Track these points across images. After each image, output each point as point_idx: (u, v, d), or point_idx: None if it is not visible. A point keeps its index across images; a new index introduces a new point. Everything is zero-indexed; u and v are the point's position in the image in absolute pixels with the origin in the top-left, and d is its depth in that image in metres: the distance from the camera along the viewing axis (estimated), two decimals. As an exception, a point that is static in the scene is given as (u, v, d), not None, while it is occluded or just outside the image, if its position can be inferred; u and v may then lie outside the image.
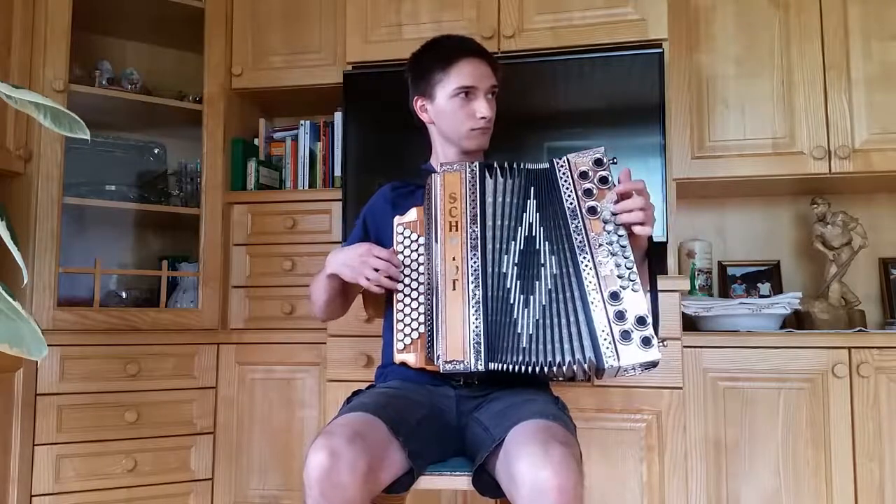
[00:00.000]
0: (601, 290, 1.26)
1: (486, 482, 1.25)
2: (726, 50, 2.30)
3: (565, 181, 1.34)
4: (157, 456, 2.29)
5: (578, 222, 1.31)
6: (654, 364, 1.23)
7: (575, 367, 1.25)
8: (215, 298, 2.42)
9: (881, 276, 2.41)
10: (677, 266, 2.29)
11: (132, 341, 2.28)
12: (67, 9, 2.26)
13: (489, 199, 1.37)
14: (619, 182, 1.31)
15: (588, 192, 1.32)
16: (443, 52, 1.52)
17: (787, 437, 2.01)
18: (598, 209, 1.31)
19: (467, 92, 1.49)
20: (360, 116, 2.33)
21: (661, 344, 1.24)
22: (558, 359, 1.26)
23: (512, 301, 1.32)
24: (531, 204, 1.36)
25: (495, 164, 1.40)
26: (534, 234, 1.34)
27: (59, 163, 2.22)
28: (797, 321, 2.30)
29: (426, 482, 1.31)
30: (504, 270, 1.33)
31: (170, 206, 2.56)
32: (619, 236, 1.29)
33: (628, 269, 1.27)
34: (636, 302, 1.25)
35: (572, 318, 1.27)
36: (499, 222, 1.36)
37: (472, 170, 1.39)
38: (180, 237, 2.69)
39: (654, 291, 1.34)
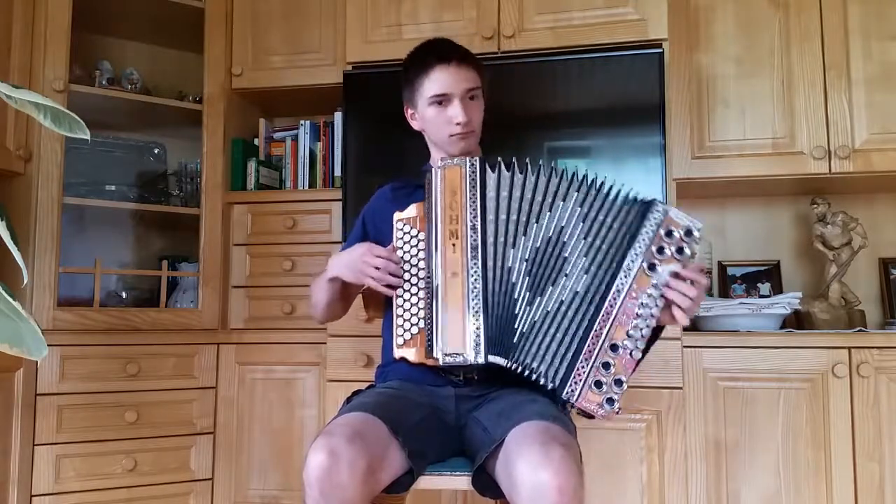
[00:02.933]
0: (606, 335, 1.28)
1: (486, 482, 1.25)
2: (726, 50, 2.30)
3: (651, 227, 1.32)
4: (157, 456, 2.29)
5: (633, 268, 1.30)
6: (592, 417, 1.29)
7: (541, 381, 1.29)
8: (215, 298, 2.42)
9: (881, 276, 2.41)
10: (677, 266, 2.29)
11: (132, 341, 2.28)
12: (67, 9, 2.26)
13: (491, 194, 1.37)
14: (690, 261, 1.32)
15: (661, 251, 1.31)
16: (420, 61, 1.53)
17: (787, 437, 2.01)
18: (657, 269, 1.30)
19: (441, 100, 1.49)
20: (360, 116, 2.33)
21: (617, 411, 1.28)
22: (534, 365, 1.30)
23: (516, 296, 1.32)
24: (565, 206, 1.35)
25: (499, 160, 1.39)
26: (564, 239, 1.34)
27: (59, 163, 2.22)
28: (797, 321, 2.30)
29: (426, 482, 1.31)
30: (509, 265, 1.34)
31: (170, 206, 2.56)
32: (657, 306, 1.30)
33: (642, 336, 1.29)
34: (627, 366, 1.28)
35: (566, 339, 1.29)
36: (503, 216, 1.36)
37: (472, 164, 1.39)
38: (180, 237, 2.69)
39: (643, 355, 1.35)
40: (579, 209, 1.35)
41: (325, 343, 2.15)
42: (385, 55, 2.30)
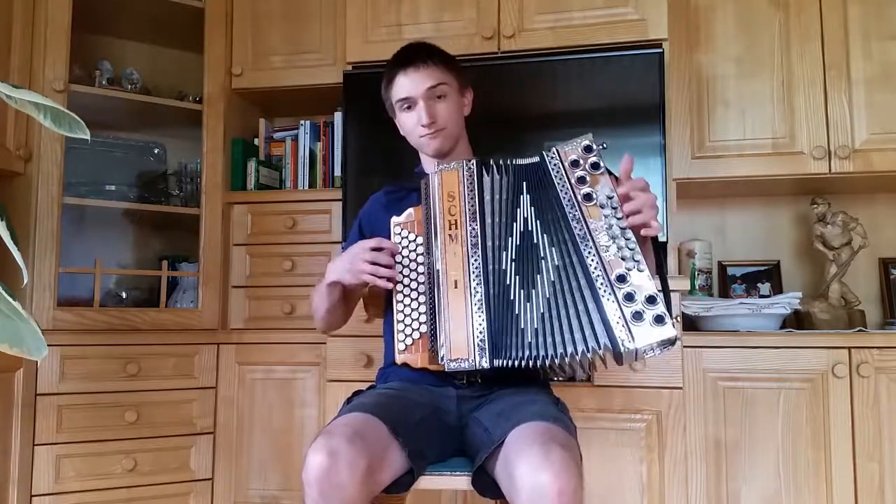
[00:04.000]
0: (607, 275, 1.25)
1: (486, 482, 1.25)
2: (726, 50, 2.30)
3: (557, 172, 1.34)
4: (157, 456, 2.29)
5: (576, 211, 1.31)
6: (671, 341, 1.22)
7: (590, 356, 1.25)
8: (215, 298, 2.42)
9: (881, 276, 2.41)
10: (677, 266, 2.29)
11: (132, 341, 2.28)
12: (67, 9, 2.26)
13: (487, 197, 1.38)
14: (622, 174, 1.31)
15: (581, 180, 1.32)
16: (387, 73, 1.57)
17: (787, 437, 2.01)
18: (594, 195, 1.30)
19: (407, 104, 1.53)
20: (360, 116, 2.33)
21: (674, 320, 1.23)
22: (570, 349, 1.25)
23: (512, 297, 1.31)
24: (524, 199, 1.37)
25: (491, 162, 1.40)
26: (530, 228, 1.35)
27: (59, 163, 2.22)
28: (797, 321, 2.30)
29: (426, 482, 1.31)
30: (503, 267, 1.34)
31: (170, 206, 2.56)
32: (618, 219, 1.28)
33: (631, 250, 1.26)
34: (643, 282, 1.24)
35: (581, 307, 1.26)
36: (496, 219, 1.36)
37: (470, 168, 1.40)
38: (180, 237, 2.69)
39: (661, 272, 1.34)
40: (529, 196, 1.36)
41: (325, 343, 2.15)
42: (385, 55, 2.26)
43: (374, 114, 2.32)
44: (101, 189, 2.45)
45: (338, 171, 2.49)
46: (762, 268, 2.49)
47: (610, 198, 1.30)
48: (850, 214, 2.30)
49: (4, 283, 1.27)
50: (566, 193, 1.32)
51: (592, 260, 1.27)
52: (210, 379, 2.40)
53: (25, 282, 1.47)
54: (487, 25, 2.25)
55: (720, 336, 2.10)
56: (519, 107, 2.08)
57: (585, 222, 1.29)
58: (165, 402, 2.31)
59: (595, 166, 1.32)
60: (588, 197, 1.31)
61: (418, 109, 1.51)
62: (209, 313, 2.41)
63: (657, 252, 1.36)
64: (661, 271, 1.35)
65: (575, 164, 1.33)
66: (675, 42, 2.25)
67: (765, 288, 2.46)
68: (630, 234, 1.28)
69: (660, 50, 2.12)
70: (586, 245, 1.28)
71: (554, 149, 1.36)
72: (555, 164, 1.35)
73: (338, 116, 2.48)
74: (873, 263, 2.41)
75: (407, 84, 1.51)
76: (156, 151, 2.66)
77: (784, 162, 2.23)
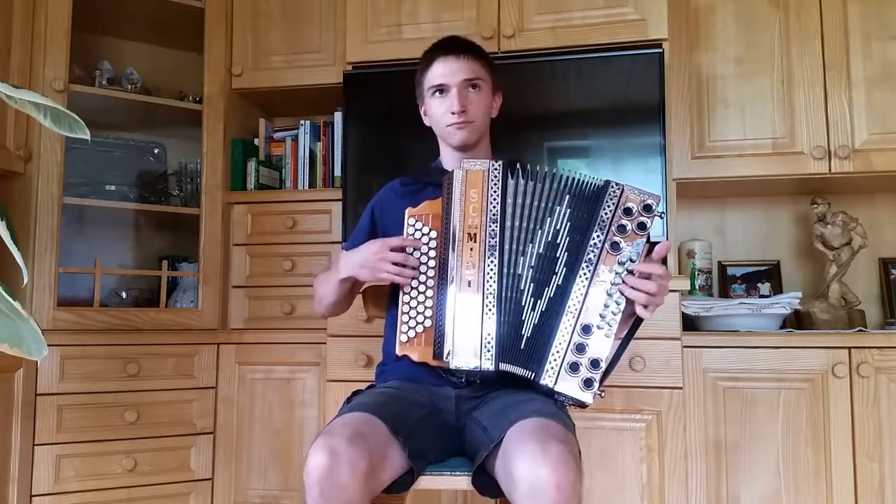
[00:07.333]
0: (577, 317, 1.29)
1: (486, 482, 1.25)
2: (726, 50, 2.30)
3: (609, 207, 1.33)
4: (157, 456, 2.29)
5: (596, 250, 1.32)
6: (583, 405, 1.30)
7: (529, 376, 1.31)
8: (215, 298, 2.42)
9: (881, 276, 2.41)
10: (677, 266, 2.29)
11: (132, 341, 2.28)
12: (67, 9, 2.26)
13: (510, 200, 1.37)
14: (655, 252, 1.31)
15: (622, 229, 1.32)
16: (425, 57, 1.56)
17: (787, 437, 2.01)
18: (621, 247, 1.31)
19: (440, 90, 1.51)
20: (360, 116, 2.33)
21: (600, 393, 1.29)
22: (533, 366, 1.31)
23: (523, 304, 1.33)
24: (561, 211, 1.36)
25: (518, 165, 1.39)
26: (558, 241, 1.35)
27: (59, 163, 2.22)
28: (797, 321, 2.30)
29: (426, 482, 1.31)
30: (519, 272, 1.34)
31: (170, 206, 2.56)
32: (623, 283, 1.30)
33: (613, 314, 1.29)
34: (601, 345, 1.29)
35: (546, 331, 1.31)
36: (517, 223, 1.36)
37: (496, 168, 1.39)
38: (180, 237, 2.69)
39: (625, 343, 1.37)
40: (568, 210, 1.36)
41: (325, 343, 2.15)
42: (385, 55, 2.30)
43: (374, 114, 2.34)
44: (101, 189, 2.46)
45: (338, 171, 2.49)
46: (762, 268, 2.49)
47: (632, 260, 1.30)
48: (850, 214, 2.30)
49: (4, 283, 1.27)
50: (602, 229, 1.32)
51: (576, 296, 1.31)
52: (210, 379, 2.40)
53: (25, 282, 1.47)
54: (487, 25, 2.25)
55: (720, 336, 2.10)
56: (518, 107, 2.07)
57: (596, 264, 1.31)
58: (165, 402, 2.31)
59: (641, 226, 1.32)
60: (615, 246, 1.31)
61: (450, 96, 1.49)
62: (209, 313, 2.41)
63: (634, 330, 1.37)
64: (624, 344, 1.37)
65: (628, 212, 1.33)
66: (675, 42, 2.25)
67: (765, 288, 2.46)
68: (623, 301, 1.30)
69: (660, 50, 2.12)
70: (582, 281, 1.31)
71: (622, 185, 1.35)
72: (612, 199, 1.34)
73: (338, 116, 2.48)
74: (873, 263, 2.42)
75: (444, 70, 1.50)
76: (156, 151, 2.66)
77: (784, 162, 2.23)
